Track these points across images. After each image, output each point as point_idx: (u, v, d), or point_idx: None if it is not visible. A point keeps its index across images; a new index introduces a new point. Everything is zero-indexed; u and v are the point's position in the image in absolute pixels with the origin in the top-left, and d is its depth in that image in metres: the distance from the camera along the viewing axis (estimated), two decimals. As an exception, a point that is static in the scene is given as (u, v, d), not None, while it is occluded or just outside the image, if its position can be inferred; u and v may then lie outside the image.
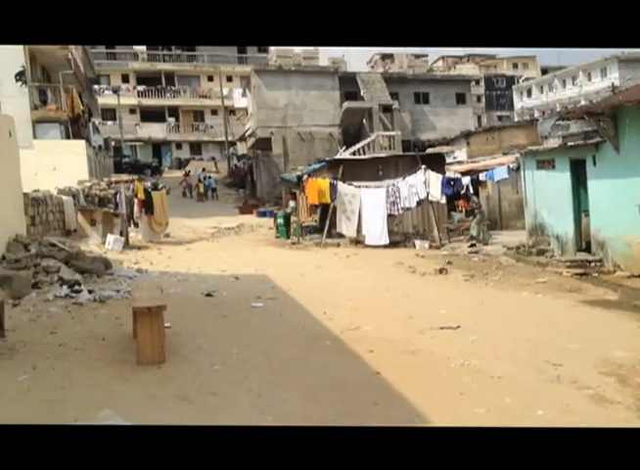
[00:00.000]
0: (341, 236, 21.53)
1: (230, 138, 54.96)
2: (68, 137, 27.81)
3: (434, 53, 66.30)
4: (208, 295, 11.50)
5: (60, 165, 26.24)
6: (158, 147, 65.94)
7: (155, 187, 24.39)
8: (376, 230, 20.65)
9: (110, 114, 61.52)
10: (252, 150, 41.10)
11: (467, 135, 33.40)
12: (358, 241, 21.01)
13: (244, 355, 7.77)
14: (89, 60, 48.29)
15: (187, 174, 43.17)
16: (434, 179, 20.53)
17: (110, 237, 18.32)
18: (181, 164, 60.34)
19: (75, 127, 30.26)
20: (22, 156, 27.04)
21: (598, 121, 14.56)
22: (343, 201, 21.11)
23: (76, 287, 10.90)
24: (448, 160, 31.97)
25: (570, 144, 16.47)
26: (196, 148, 66.53)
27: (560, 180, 16.26)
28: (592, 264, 14.66)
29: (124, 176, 28.71)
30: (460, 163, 27.95)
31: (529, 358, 7.69)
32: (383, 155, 25.05)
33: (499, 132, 32.59)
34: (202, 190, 37.72)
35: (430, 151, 28.00)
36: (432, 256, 18.03)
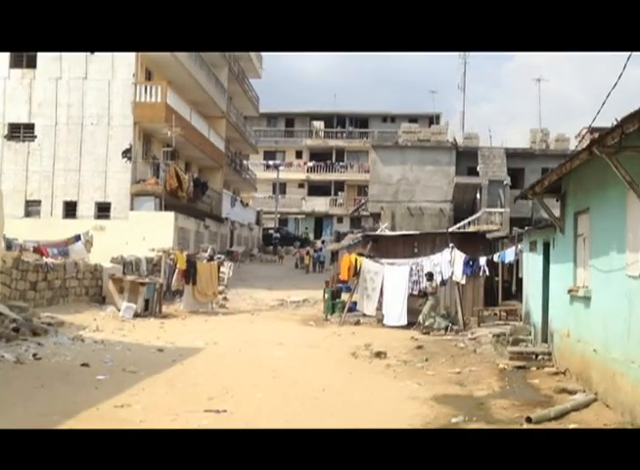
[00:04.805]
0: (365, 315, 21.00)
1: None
2: (160, 209, 29.92)
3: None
4: (84, 364, 11.91)
5: (149, 235, 28.35)
6: (320, 220, 68.22)
7: (210, 258, 25.41)
8: (395, 310, 19.88)
9: (280, 187, 64.51)
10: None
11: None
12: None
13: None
14: (245, 138, 51.82)
15: (319, 247, 44.23)
16: (459, 259, 19.53)
17: (124, 305, 19.40)
18: (339, 238, 61.86)
19: (182, 201, 32.59)
20: (118, 226, 29.75)
21: (542, 201, 13.33)
22: (365, 278, 20.64)
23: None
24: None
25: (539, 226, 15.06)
26: (356, 222, 67.87)
27: (537, 263, 14.86)
28: (539, 358, 13.12)
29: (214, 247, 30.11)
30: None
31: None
32: (416, 232, 24.17)
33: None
34: (306, 262, 38.55)
35: (471, 230, 26.51)
36: (427, 340, 17.11)
